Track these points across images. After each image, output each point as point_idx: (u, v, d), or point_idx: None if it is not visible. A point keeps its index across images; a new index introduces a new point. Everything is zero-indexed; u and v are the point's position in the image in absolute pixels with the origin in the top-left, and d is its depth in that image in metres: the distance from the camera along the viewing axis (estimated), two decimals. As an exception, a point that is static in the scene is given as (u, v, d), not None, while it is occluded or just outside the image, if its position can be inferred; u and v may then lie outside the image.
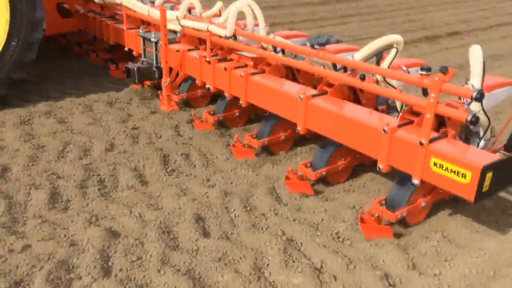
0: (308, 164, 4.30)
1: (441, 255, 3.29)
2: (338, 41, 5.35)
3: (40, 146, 4.73)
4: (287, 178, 4.17)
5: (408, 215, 3.61)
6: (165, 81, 5.39)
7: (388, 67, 3.97)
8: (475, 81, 3.17)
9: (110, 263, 3.09)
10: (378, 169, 3.40)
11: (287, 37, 5.43)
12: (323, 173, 4.13)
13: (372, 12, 14.19)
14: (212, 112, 5.39)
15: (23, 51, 5.46)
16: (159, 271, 3.02)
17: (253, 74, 4.51)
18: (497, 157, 2.95)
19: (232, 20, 4.79)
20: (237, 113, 5.35)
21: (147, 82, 6.27)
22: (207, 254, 3.20)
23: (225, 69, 4.67)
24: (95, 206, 3.75)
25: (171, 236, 3.38)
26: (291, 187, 4.16)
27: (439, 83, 2.90)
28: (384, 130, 3.25)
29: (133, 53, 6.43)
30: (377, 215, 3.58)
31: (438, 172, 3.05)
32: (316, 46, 3.88)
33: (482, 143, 3.70)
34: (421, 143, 3.06)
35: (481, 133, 3.73)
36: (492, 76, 4.08)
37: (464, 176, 2.91)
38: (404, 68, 3.70)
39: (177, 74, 5.49)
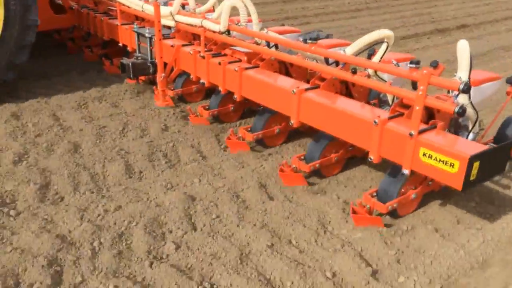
0: (302, 157, 4.40)
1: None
2: (328, 36, 5.44)
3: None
4: (281, 170, 4.26)
5: (398, 207, 3.71)
6: (160, 76, 5.44)
7: (379, 61, 4.06)
8: (462, 74, 3.27)
9: (193, 220, 3.60)
10: (369, 159, 3.49)
11: (279, 33, 5.51)
12: (317, 165, 4.22)
13: (381, 6, 14.65)
14: (207, 107, 5.47)
15: (15, 53, 5.56)
16: (238, 225, 3.52)
17: (246, 68, 4.58)
18: (484, 147, 3.05)
19: (225, 15, 4.86)
20: (232, 108, 5.42)
21: (142, 78, 6.32)
22: (276, 213, 3.69)
23: (219, 63, 4.74)
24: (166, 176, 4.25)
25: (240, 199, 3.87)
26: (285, 179, 4.24)
27: (427, 76, 2.99)
28: (375, 122, 3.34)
29: (128, 48, 6.47)
30: (368, 206, 3.68)
31: (428, 162, 3.14)
32: (308, 41, 3.95)
33: (471, 136, 3.80)
34: (410, 134, 3.15)
35: (470, 126, 3.83)
36: (480, 70, 4.19)
37: (452, 165, 3.00)
38: (394, 62, 3.79)
39: (172, 69, 5.54)
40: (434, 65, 3.54)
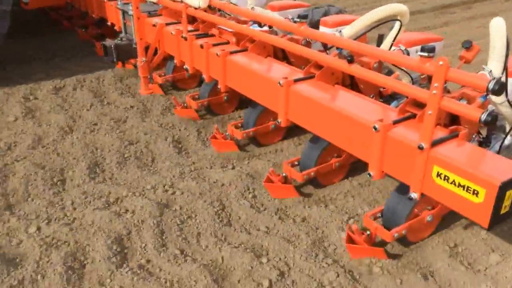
0: (296, 162, 3.63)
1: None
2: (340, 11, 4.58)
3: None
4: (268, 180, 3.51)
5: (409, 232, 2.92)
6: (141, 60, 4.72)
7: (391, 45, 3.20)
8: (493, 66, 2.38)
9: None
10: (368, 176, 2.68)
11: (283, 7, 4.70)
12: (312, 174, 3.45)
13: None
14: (196, 97, 4.73)
15: None
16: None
17: (232, 53, 3.78)
18: (522, 169, 2.19)
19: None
20: (225, 98, 4.67)
21: (132, 61, 5.62)
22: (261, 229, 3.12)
23: (202, 46, 3.96)
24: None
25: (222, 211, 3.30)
26: (273, 191, 3.49)
27: (443, 69, 2.14)
28: (375, 128, 2.52)
29: (115, 27, 5.77)
30: (368, 232, 2.90)
31: (443, 186, 2.31)
32: (296, 20, 3.11)
33: (508, 140, 2.94)
34: (420, 147, 2.32)
35: (508, 127, 2.96)
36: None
37: (476, 193, 2.17)
38: (402, 48, 2.92)
39: (156, 52, 4.81)
40: (467, 46, 2.67)
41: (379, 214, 3.04)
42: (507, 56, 2.34)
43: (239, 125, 4.20)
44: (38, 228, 3.02)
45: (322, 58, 3.02)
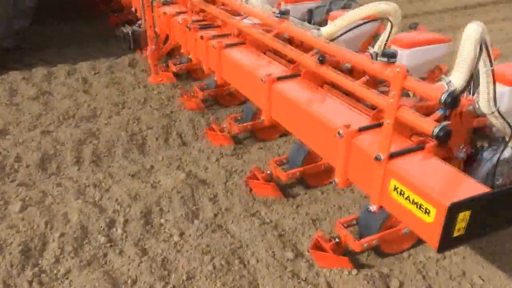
0: (285, 160, 3.56)
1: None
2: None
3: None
4: (251, 177, 3.46)
5: (383, 243, 2.80)
6: (150, 48, 4.75)
7: (385, 45, 3.02)
8: (455, 76, 2.17)
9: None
10: (333, 182, 2.56)
11: (299, 0, 4.56)
12: (298, 174, 3.37)
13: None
14: (205, 87, 4.72)
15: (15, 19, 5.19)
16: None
17: (227, 46, 3.72)
18: (481, 189, 2.00)
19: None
20: (234, 89, 4.62)
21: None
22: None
23: (201, 38, 3.92)
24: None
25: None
26: (256, 188, 3.45)
27: (400, 76, 1.98)
28: (339, 134, 2.39)
29: (137, 14, 5.82)
30: (337, 240, 2.80)
31: (398, 201, 2.17)
32: (277, 15, 2.98)
33: (509, 151, 2.72)
34: (377, 158, 2.18)
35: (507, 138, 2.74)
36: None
37: (427, 212, 2.01)
38: (371, 51, 2.74)
39: (166, 41, 4.83)
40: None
41: (354, 222, 2.93)
42: (475, 67, 2.12)
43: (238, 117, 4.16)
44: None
45: (297, 57, 2.90)
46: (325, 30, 2.79)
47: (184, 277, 2.67)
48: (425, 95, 1.99)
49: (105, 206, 3.25)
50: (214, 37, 3.91)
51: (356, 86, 2.41)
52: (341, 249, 2.82)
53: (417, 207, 2.06)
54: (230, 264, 2.76)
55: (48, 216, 3.10)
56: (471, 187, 2.03)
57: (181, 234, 3.01)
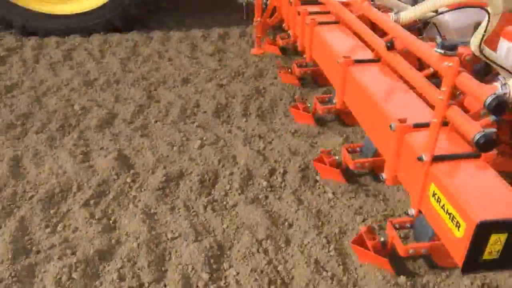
0: (359, 148, 3.43)
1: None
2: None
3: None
4: (319, 160, 3.40)
5: (434, 253, 2.58)
6: (256, 20, 4.81)
7: (482, 40, 2.70)
8: None
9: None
10: (381, 178, 2.42)
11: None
12: (366, 164, 3.23)
13: None
14: (304, 64, 4.68)
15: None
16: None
17: (320, 23, 3.63)
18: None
19: None
20: (331, 68, 4.52)
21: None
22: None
23: (299, 13, 3.88)
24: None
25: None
26: (322, 171, 3.38)
27: (451, 71, 1.78)
28: (390, 127, 2.24)
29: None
30: (382, 239, 2.66)
31: (435, 208, 1.98)
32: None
33: None
34: (419, 159, 2.00)
35: None
36: None
37: (458, 225, 1.82)
38: (438, 40, 2.43)
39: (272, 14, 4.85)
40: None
41: (408, 224, 2.73)
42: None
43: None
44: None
45: (371, 40, 2.72)
46: (405, 15, 2.58)
47: (337, 231, 2.87)
48: (473, 95, 1.76)
49: (268, 155, 3.57)
50: (311, 14, 3.84)
51: (415, 76, 2.21)
52: (386, 249, 2.67)
53: (449, 218, 1.87)
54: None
55: (220, 156, 3.53)
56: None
57: (333, 193, 3.19)
